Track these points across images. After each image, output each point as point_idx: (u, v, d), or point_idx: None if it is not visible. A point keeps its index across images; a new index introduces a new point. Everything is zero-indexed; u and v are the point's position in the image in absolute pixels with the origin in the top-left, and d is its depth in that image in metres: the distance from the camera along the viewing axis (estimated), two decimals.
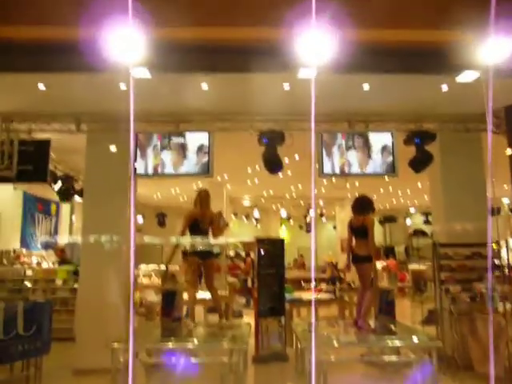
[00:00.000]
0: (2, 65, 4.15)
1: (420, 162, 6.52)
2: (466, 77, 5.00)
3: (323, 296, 9.02)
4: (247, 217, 18.99)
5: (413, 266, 12.90)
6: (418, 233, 17.54)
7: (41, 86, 5.60)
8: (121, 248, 6.51)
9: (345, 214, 14.24)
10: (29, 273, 9.23)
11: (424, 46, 3.94)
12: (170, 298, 6.46)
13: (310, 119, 3.14)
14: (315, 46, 3.45)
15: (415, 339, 4.86)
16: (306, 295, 8.70)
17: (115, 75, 4.54)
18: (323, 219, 20.03)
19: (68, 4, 3.59)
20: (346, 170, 6.15)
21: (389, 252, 19.19)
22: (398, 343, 4.94)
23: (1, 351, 5.38)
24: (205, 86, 5.68)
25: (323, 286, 9.82)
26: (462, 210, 6.70)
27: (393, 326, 5.71)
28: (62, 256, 10.38)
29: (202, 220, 5.53)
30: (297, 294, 8.77)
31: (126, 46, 3.33)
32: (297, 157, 8.41)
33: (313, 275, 9.79)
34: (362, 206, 5.55)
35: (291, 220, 20.43)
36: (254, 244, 7.48)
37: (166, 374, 5.93)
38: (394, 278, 13.39)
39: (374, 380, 5.88)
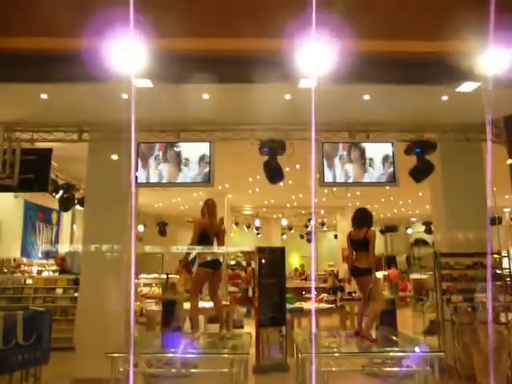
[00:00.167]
0: (5, 75, 4.18)
1: (421, 172, 6.53)
2: (466, 87, 5.02)
3: (324, 306, 8.99)
4: (248, 226, 18.97)
5: (414, 276, 12.86)
6: (419, 242, 17.48)
7: (43, 96, 5.64)
8: (121, 257, 6.51)
9: (346, 223, 14.22)
10: (29, 281, 9.21)
11: (424, 56, 3.96)
12: (170, 308, 6.45)
13: (310, 129, 3.16)
14: (316, 57, 3.48)
15: (417, 350, 4.83)
16: (306, 305, 8.66)
17: (117, 85, 4.58)
18: (324, 228, 20.00)
19: (70, 15, 3.62)
20: (347, 179, 6.15)
21: (390, 261, 19.13)
22: (399, 354, 4.91)
23: (0, 361, 5.35)
24: (206, 96, 5.71)
25: (324, 295, 9.79)
26: (463, 219, 6.70)
27: (394, 337, 5.68)
28: (63, 265, 10.38)
29: (210, 230, 5.53)
30: (298, 304, 8.74)
31: (127, 56, 3.36)
32: (298, 166, 8.42)
33: (313, 285, 9.76)
34: (362, 219, 5.56)
35: (292, 229, 20.40)
36: (255, 253, 7.47)
37: None
38: (395, 288, 13.33)
39: None
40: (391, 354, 5.06)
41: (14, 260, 10.74)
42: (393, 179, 6.18)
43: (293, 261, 20.23)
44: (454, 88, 5.14)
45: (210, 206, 5.62)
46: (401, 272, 16.56)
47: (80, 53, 3.57)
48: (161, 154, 6.10)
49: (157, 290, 10.57)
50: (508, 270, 6.65)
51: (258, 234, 19.10)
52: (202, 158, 6.03)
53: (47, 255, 12.26)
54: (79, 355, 6.32)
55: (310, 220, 17.98)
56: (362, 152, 6.18)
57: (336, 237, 18.65)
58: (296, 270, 17.78)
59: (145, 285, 11.41)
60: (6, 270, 10.29)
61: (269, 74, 4.06)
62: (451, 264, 6.56)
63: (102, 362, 4.39)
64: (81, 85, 5.11)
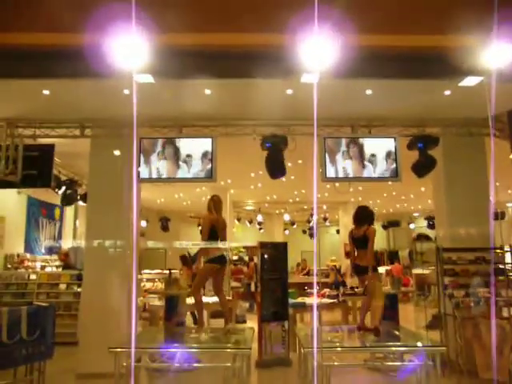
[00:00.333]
0: (7, 71, 4.19)
1: (423, 167, 6.51)
2: (469, 81, 5.00)
3: (326, 300, 9.00)
4: (250, 221, 18.99)
5: (416, 271, 12.85)
6: (422, 237, 17.48)
7: (45, 92, 5.64)
8: (124, 252, 6.53)
9: (348, 219, 14.23)
10: (33, 277, 9.26)
11: (426, 51, 3.95)
12: (173, 303, 6.47)
13: (312, 124, 3.16)
14: (318, 52, 3.47)
15: (419, 344, 4.85)
16: (309, 300, 8.68)
17: (119, 81, 4.57)
18: (326, 223, 20.01)
19: (72, 11, 3.62)
20: (350, 174, 6.14)
21: (393, 257, 19.14)
22: (401, 348, 4.93)
23: (5, 356, 5.39)
24: (208, 91, 5.71)
25: (326, 290, 9.80)
26: (466, 214, 6.69)
27: (396, 331, 5.69)
28: (66, 260, 10.42)
29: (217, 226, 5.56)
30: (300, 299, 8.76)
31: (129, 52, 3.36)
32: (300, 161, 8.42)
33: (315, 280, 9.77)
34: (363, 216, 5.58)
35: (295, 224, 20.42)
36: (258, 248, 7.48)
37: (169, 378, 5.94)
38: (397, 283, 13.33)
39: None
40: (393, 348, 5.08)
41: (18, 256, 10.79)
42: (395, 174, 6.17)
43: (295, 256, 20.25)
44: (457, 83, 5.12)
45: (216, 202, 5.67)
46: (403, 267, 16.56)
47: (82, 48, 3.58)
48: (160, 150, 6.10)
49: (159, 285, 10.62)
50: (511, 265, 6.65)
51: (260, 229, 19.12)
52: (204, 155, 6.03)
53: (50, 251, 12.31)
54: (82, 350, 6.36)
55: (312, 215, 17.99)
56: (362, 148, 6.16)
57: (338, 232, 18.67)
58: (298, 264, 17.79)
59: (147, 280, 11.47)
60: (9, 266, 10.34)
61: (271, 69, 4.06)
62: (453, 259, 6.56)
63: (105, 357, 4.43)
64: (83, 81, 5.11)
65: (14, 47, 3.79)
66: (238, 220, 18.13)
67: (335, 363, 4.84)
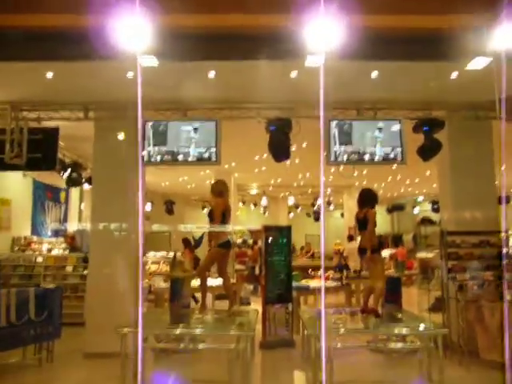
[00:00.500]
0: (11, 53, 4.17)
1: (428, 150, 6.47)
2: (477, 63, 4.93)
3: (330, 284, 9.07)
4: (255, 205, 19.01)
5: (420, 254, 12.88)
6: (426, 221, 17.45)
7: (49, 75, 5.61)
8: (129, 235, 6.57)
9: (352, 202, 14.19)
10: (39, 259, 9.37)
11: (433, 31, 3.88)
12: (178, 285, 6.55)
13: (317, 106, 3.13)
14: (323, 33, 3.42)
15: (421, 326, 4.89)
16: (313, 283, 8.75)
17: (123, 63, 4.53)
18: (331, 207, 19.99)
19: None
20: (354, 157, 6.11)
21: (397, 240, 19.14)
22: (403, 331, 4.98)
23: (14, 335, 5.50)
24: (212, 74, 5.66)
25: (330, 272, 9.87)
26: (470, 198, 6.67)
27: (399, 314, 5.74)
28: (72, 243, 10.52)
29: (227, 210, 5.60)
30: (304, 282, 8.83)
31: (133, 33, 3.33)
32: (304, 145, 8.38)
33: (322, 263, 9.82)
34: (366, 199, 5.60)
35: (299, 208, 20.42)
36: (262, 231, 7.51)
37: (175, 359, 6.04)
38: (401, 266, 13.38)
39: (380, 366, 5.93)
40: (396, 330, 5.13)
41: (25, 238, 10.91)
42: (400, 157, 6.13)
43: (299, 239, 20.32)
44: (465, 64, 5.05)
45: (227, 187, 5.76)
46: (407, 251, 16.59)
47: (86, 30, 3.55)
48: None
49: (164, 268, 10.70)
50: None
51: (264, 212, 19.14)
52: (209, 137, 5.99)
53: (56, 233, 12.42)
54: (89, 330, 6.46)
55: (316, 199, 17.97)
56: (367, 130, 6.10)
57: (342, 215, 18.67)
58: (302, 248, 17.84)
59: (153, 262, 11.55)
60: (17, 248, 10.46)
61: (275, 50, 4.02)
62: (458, 242, 6.56)
63: (112, 337, 4.51)
64: (87, 63, 5.08)
65: (18, 29, 3.76)
66: (243, 203, 18.13)
67: (338, 345, 4.90)
